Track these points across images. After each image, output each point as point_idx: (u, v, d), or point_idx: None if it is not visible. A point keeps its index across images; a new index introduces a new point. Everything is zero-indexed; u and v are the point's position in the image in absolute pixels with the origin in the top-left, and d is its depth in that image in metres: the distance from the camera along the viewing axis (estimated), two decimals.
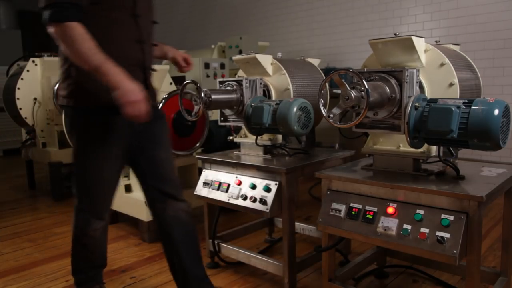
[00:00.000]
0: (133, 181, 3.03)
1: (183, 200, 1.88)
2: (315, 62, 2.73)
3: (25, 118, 4.18)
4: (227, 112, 2.36)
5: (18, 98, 4.10)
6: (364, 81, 1.52)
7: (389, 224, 1.56)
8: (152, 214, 1.91)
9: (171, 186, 1.86)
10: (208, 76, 4.24)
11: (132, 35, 1.67)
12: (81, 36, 1.44)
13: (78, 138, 1.72)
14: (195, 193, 2.34)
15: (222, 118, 2.44)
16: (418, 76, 1.67)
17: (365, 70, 1.69)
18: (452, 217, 1.44)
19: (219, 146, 2.98)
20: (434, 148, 1.69)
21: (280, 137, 2.33)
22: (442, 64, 1.72)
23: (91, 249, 1.88)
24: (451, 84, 1.70)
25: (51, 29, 1.46)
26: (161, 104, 2.70)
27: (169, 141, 1.93)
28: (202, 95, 2.07)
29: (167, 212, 1.84)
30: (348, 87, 1.55)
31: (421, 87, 1.73)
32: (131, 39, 1.67)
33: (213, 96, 2.13)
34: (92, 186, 1.76)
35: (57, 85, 1.75)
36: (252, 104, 2.19)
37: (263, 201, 2.02)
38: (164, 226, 1.86)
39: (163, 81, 3.65)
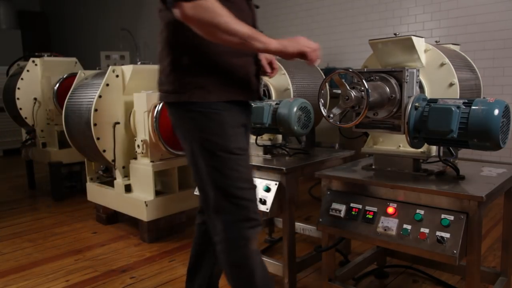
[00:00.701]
0: (133, 180, 3.03)
1: None
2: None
3: (25, 118, 4.18)
4: None
5: (18, 98, 4.09)
6: (364, 81, 1.52)
7: (389, 224, 1.56)
8: None
9: None
10: None
11: (249, 21, 1.41)
12: (220, 7, 1.24)
13: (207, 136, 1.43)
14: (195, 193, 2.33)
15: None
16: (418, 76, 1.67)
17: (365, 70, 1.69)
18: (452, 217, 1.44)
19: None
20: (434, 148, 1.69)
21: (280, 137, 2.33)
22: (442, 64, 1.72)
23: (258, 272, 1.44)
24: (451, 84, 1.70)
25: (181, 11, 1.24)
26: (160, 104, 2.69)
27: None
28: None
29: None
30: (348, 87, 1.55)
31: (421, 87, 1.73)
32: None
33: None
34: (242, 184, 1.43)
35: (159, 79, 1.54)
36: (252, 104, 2.19)
37: (263, 201, 2.02)
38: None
39: None
